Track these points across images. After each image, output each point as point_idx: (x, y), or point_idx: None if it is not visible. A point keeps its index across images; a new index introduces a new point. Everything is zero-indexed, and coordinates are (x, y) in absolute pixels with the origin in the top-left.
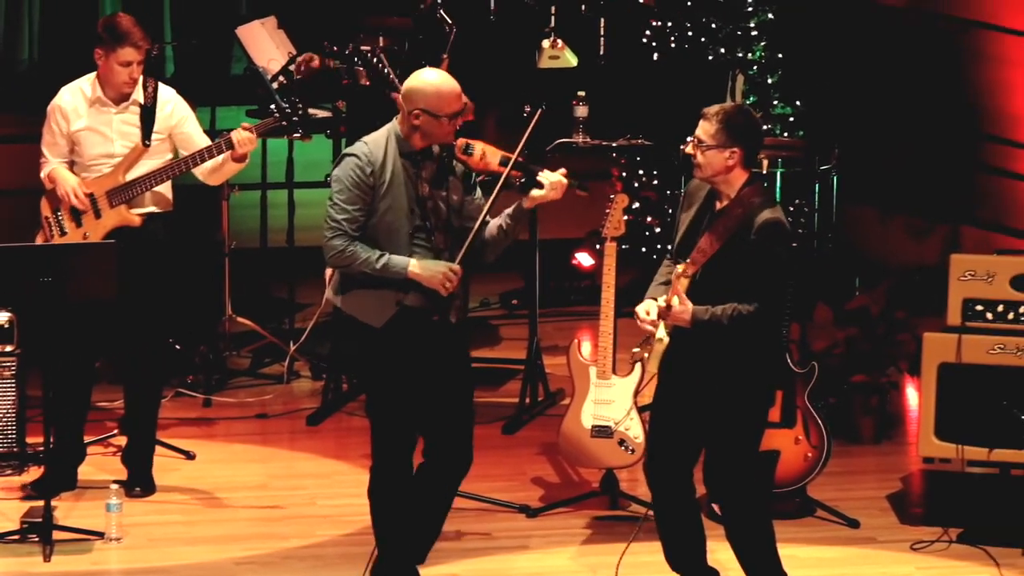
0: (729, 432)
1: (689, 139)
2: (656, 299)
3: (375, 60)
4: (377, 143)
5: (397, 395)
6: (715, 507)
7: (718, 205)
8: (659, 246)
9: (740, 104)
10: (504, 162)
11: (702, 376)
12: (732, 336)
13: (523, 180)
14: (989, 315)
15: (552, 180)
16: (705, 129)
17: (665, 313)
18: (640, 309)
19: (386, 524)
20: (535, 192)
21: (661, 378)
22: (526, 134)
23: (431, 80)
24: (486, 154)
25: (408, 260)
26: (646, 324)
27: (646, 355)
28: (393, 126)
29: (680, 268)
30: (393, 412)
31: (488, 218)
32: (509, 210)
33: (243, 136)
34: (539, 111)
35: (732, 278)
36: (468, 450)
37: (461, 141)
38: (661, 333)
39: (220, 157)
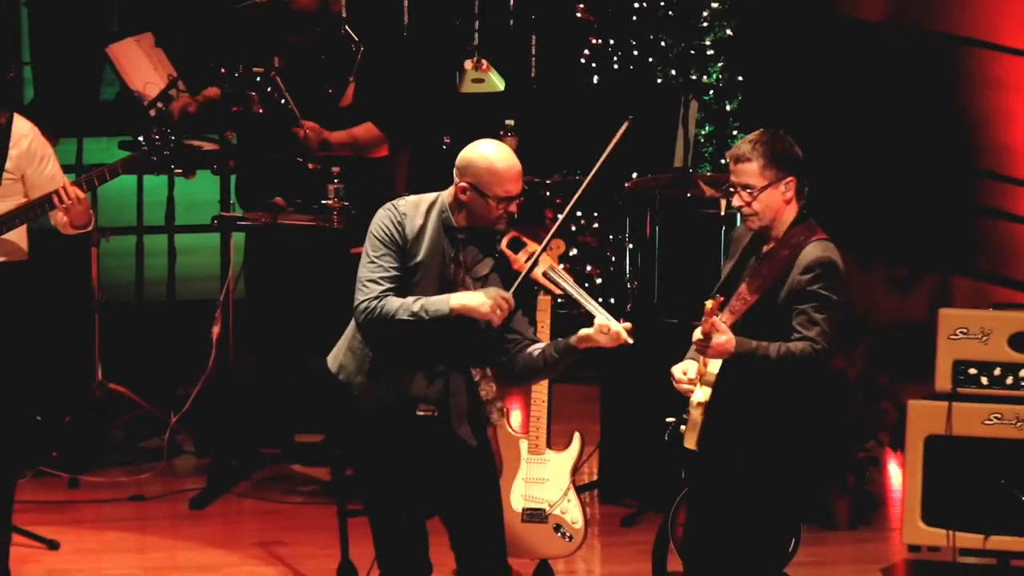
0: (769, 500)
1: (730, 192)
2: (694, 359)
3: (269, 85)
4: (418, 207)
5: (385, 484)
6: None
7: (764, 248)
8: (600, 300)
9: (766, 129)
10: (552, 278)
11: (745, 439)
12: (787, 387)
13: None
14: (984, 379)
15: (609, 330)
16: (748, 171)
17: (703, 347)
18: (676, 369)
19: None
20: (585, 331)
21: (700, 452)
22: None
23: (487, 154)
24: (533, 258)
25: (447, 296)
26: (683, 385)
27: (682, 428)
28: (444, 195)
29: (709, 304)
30: (380, 503)
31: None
32: (557, 344)
33: (68, 197)
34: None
35: (777, 328)
36: (492, 569)
37: (512, 234)
38: (700, 396)
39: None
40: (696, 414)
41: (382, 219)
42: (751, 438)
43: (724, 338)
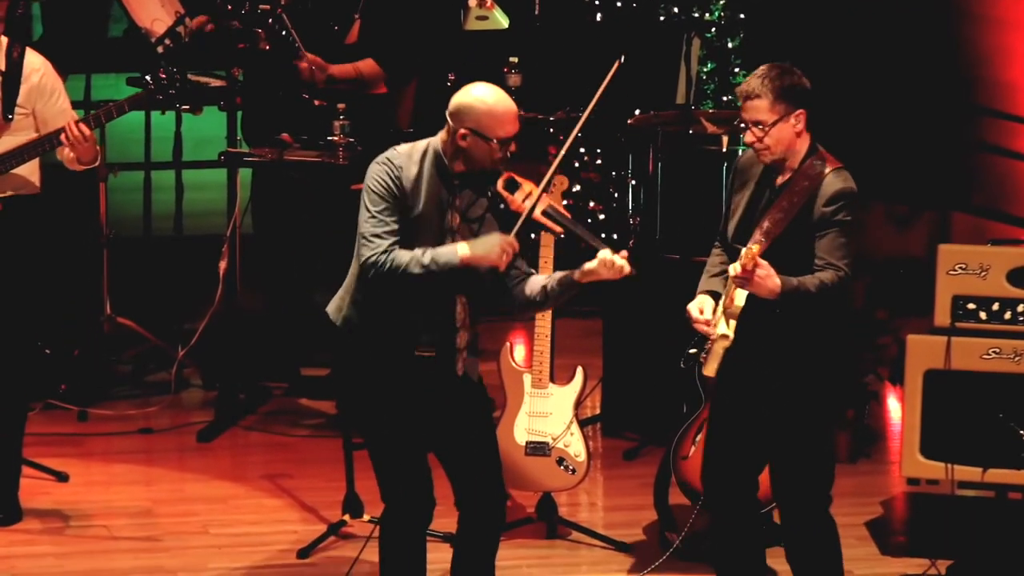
0: (808, 430)
1: (741, 128)
2: (709, 294)
3: (275, 22)
4: (411, 157)
5: (390, 423)
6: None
7: (779, 180)
8: (603, 235)
9: (773, 64)
10: (552, 216)
11: (774, 369)
12: (812, 315)
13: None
14: (983, 314)
15: (613, 263)
16: (758, 107)
17: (745, 277)
18: (693, 307)
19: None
20: (588, 265)
21: (722, 381)
22: (565, 143)
23: (484, 97)
24: (532, 198)
25: (455, 247)
26: (700, 324)
27: (702, 359)
28: (434, 142)
29: (755, 248)
30: (386, 442)
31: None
32: (558, 276)
33: (75, 133)
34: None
35: (802, 257)
36: (492, 498)
37: (507, 175)
38: (723, 329)
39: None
40: (718, 346)
41: (377, 173)
42: (787, 370)
43: (765, 272)
